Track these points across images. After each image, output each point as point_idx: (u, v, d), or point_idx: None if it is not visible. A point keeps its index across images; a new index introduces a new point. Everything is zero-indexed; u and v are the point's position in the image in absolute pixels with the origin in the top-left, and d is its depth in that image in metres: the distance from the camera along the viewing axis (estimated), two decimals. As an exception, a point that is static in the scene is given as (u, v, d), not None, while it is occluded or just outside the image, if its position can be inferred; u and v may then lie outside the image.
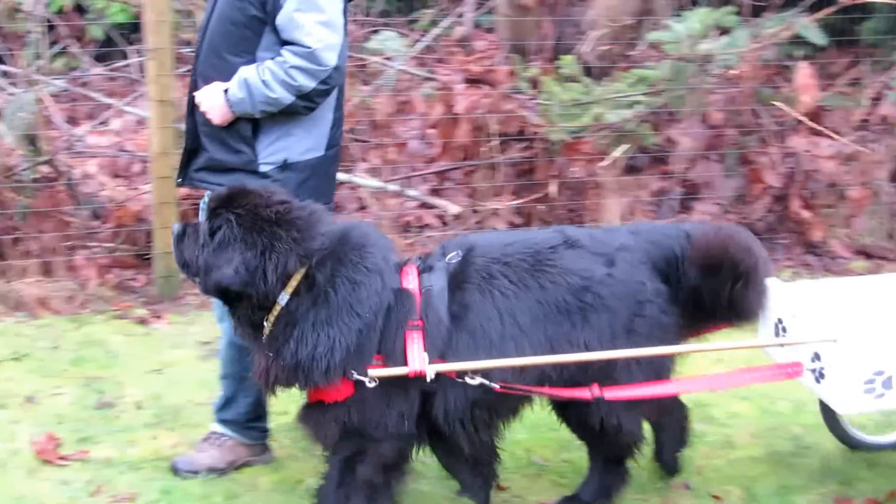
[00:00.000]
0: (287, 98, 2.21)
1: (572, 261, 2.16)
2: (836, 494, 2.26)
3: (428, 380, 1.95)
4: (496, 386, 1.98)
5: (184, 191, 3.34)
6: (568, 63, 3.80)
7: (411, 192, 3.81)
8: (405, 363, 1.94)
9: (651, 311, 2.12)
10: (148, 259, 3.65)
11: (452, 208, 3.72)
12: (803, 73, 3.95)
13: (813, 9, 3.96)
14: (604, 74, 3.96)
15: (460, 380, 1.99)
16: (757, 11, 4.14)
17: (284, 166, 2.35)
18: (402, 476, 2.16)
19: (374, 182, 3.74)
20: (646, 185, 3.92)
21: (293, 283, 1.99)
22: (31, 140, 3.70)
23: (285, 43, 2.21)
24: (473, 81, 3.70)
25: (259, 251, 1.97)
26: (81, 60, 4.63)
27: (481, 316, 2.09)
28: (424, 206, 3.83)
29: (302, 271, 2.00)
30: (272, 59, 2.19)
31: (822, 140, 3.93)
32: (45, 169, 3.75)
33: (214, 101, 2.21)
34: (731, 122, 4.01)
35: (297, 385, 2.06)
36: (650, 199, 3.93)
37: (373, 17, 4.35)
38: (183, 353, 3.25)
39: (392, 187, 3.76)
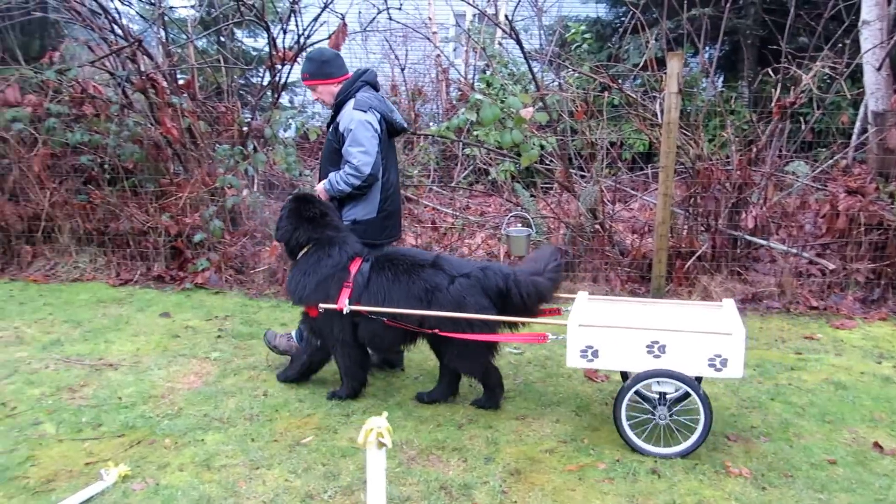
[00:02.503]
0: (346, 188, 4.16)
1: (430, 275, 3.89)
2: None
3: (344, 312, 3.83)
4: (385, 320, 3.84)
5: (674, 241, 6.44)
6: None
7: (805, 255, 6.34)
8: (337, 304, 3.87)
9: (469, 309, 3.76)
10: (649, 278, 6.68)
11: (830, 265, 6.14)
12: None
13: None
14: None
15: (371, 317, 3.85)
16: None
17: (355, 222, 4.30)
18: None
19: (783, 247, 6.36)
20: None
21: (304, 249, 4.05)
22: (592, 211, 7.13)
23: (346, 162, 4.16)
24: (851, 192, 6.09)
25: (293, 228, 4.06)
26: (621, 169, 7.84)
27: (375, 287, 3.91)
28: (811, 262, 6.31)
29: (308, 245, 4.04)
30: (341, 169, 4.17)
31: None
32: (598, 227, 7.17)
33: (321, 189, 4.28)
34: None
35: (292, 301, 4.17)
36: None
37: (788, 153, 6.93)
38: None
39: (793, 250, 6.33)
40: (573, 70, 7.84)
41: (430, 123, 10.55)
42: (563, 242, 6.83)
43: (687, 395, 3.65)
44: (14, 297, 6.09)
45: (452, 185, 8.89)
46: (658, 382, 3.55)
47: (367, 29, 7.31)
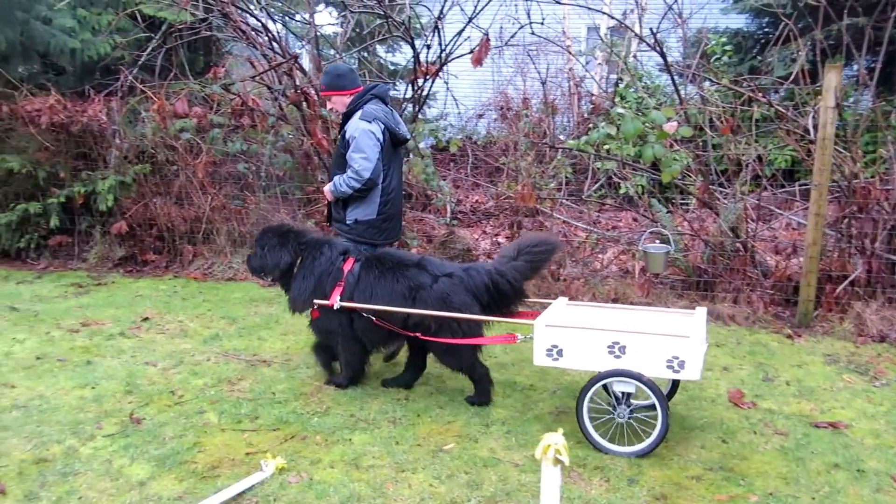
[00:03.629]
0: (348, 190, 4.60)
1: (415, 274, 4.18)
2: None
3: (335, 308, 4.18)
4: (374, 318, 4.17)
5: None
6: None
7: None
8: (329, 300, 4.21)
9: (452, 307, 4.02)
10: (794, 301, 6.32)
11: None
12: None
13: None
14: None
15: (363, 314, 4.18)
16: None
17: (356, 222, 4.73)
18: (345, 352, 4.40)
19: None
20: None
21: (296, 264, 4.39)
22: (734, 229, 6.84)
23: (349, 166, 4.57)
24: None
25: (280, 251, 4.39)
26: (764, 186, 7.46)
27: (364, 285, 4.23)
28: None
29: (298, 259, 4.39)
30: (345, 173, 4.59)
31: None
32: (738, 245, 6.89)
33: (327, 191, 4.76)
34: None
35: (293, 309, 4.44)
36: None
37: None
38: (811, 358, 5.11)
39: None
40: (716, 83, 7.57)
41: (561, 136, 10.51)
42: (701, 260, 6.61)
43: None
44: (177, 292, 6.63)
45: (583, 197, 8.82)
46: (618, 382, 3.69)
47: (508, 44, 7.38)
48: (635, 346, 3.62)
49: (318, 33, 7.97)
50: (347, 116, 4.74)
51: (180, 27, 7.71)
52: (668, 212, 7.13)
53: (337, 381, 4.53)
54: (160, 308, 6.14)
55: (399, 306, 4.15)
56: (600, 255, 7.03)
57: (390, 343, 4.57)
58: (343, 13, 8.61)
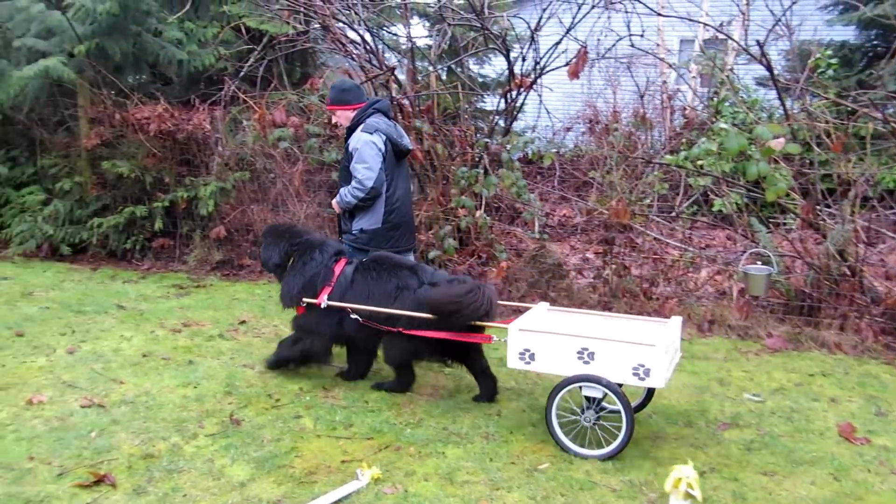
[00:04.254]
0: (353, 200, 4.81)
1: (403, 277, 4.41)
2: None
3: (322, 306, 4.44)
4: (360, 318, 4.37)
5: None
6: None
7: None
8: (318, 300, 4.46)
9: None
10: None
11: None
12: None
13: None
14: None
15: (351, 315, 4.38)
16: None
17: (362, 231, 4.89)
18: (323, 354, 4.67)
19: None
20: None
21: (289, 261, 4.65)
22: (841, 252, 6.50)
23: (353, 177, 4.75)
24: None
25: (273, 248, 4.70)
26: (874, 207, 6.87)
27: (358, 286, 4.45)
28: None
29: (292, 256, 4.64)
30: (349, 184, 4.79)
31: None
32: (846, 269, 6.53)
33: (334, 203, 5.00)
34: None
35: (283, 304, 4.69)
36: None
37: None
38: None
39: None
40: (823, 97, 7.23)
41: (651, 150, 10.26)
42: (804, 284, 6.29)
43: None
44: (272, 297, 6.79)
45: (673, 214, 8.56)
46: (586, 387, 3.80)
47: (604, 56, 7.27)
48: (603, 352, 3.74)
49: (414, 46, 8.06)
50: (351, 130, 4.94)
51: (281, 39, 7.96)
52: (768, 231, 6.84)
53: (345, 375, 4.84)
54: (256, 312, 6.31)
55: (384, 305, 4.37)
56: (694, 275, 6.80)
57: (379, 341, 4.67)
58: (437, 26, 8.70)
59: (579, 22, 6.67)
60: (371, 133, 4.80)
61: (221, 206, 7.68)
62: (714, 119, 8.00)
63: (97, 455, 3.67)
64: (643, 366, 3.65)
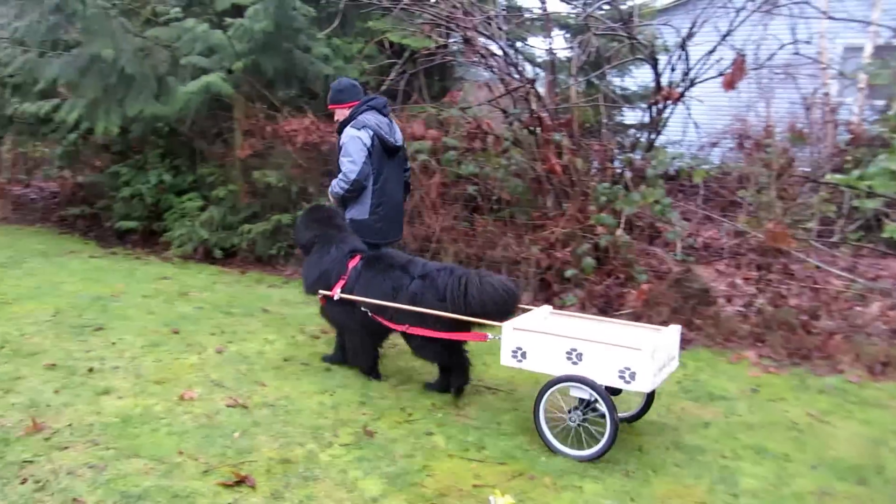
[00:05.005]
0: (340, 192, 5.18)
1: (398, 276, 4.62)
2: None
3: (335, 298, 4.72)
4: (369, 312, 4.63)
5: None
6: None
7: None
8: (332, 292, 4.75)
9: (423, 304, 4.43)
10: None
11: None
12: None
13: None
14: None
15: (362, 308, 4.63)
16: None
17: (352, 221, 5.21)
18: (360, 341, 4.90)
19: None
20: None
21: (313, 248, 4.95)
22: None
23: (340, 170, 5.12)
24: None
25: (304, 230, 5.08)
26: None
27: (363, 281, 4.69)
28: None
29: (315, 244, 4.94)
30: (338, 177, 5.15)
31: None
32: None
33: (329, 194, 5.34)
34: None
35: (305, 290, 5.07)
36: None
37: None
38: None
39: None
40: None
41: (812, 168, 9.47)
42: None
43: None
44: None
45: (835, 240, 7.83)
46: (573, 387, 3.86)
47: (763, 65, 6.78)
48: (591, 354, 3.80)
49: (555, 58, 7.91)
50: (343, 126, 5.23)
51: (422, 53, 8.07)
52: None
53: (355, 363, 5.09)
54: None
55: (386, 300, 4.60)
56: (863, 309, 6.15)
57: (386, 336, 4.95)
58: (579, 37, 8.50)
59: (738, 27, 6.23)
60: (359, 129, 5.10)
61: (360, 217, 7.84)
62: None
63: (239, 455, 3.77)
64: (629, 369, 3.70)
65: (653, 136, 7.29)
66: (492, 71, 7.45)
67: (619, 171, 7.11)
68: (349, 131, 5.13)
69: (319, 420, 4.28)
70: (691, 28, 6.45)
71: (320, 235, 5.01)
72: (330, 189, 5.33)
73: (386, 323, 4.63)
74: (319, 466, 3.74)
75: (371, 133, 5.11)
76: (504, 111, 7.46)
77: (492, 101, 7.51)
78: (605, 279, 6.74)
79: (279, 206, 8.31)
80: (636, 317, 6.30)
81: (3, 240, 9.11)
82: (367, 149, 5.10)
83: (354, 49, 9.01)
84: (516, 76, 7.28)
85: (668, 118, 7.21)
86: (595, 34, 7.38)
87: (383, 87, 8.33)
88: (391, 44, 8.57)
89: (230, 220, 8.57)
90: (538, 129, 7.16)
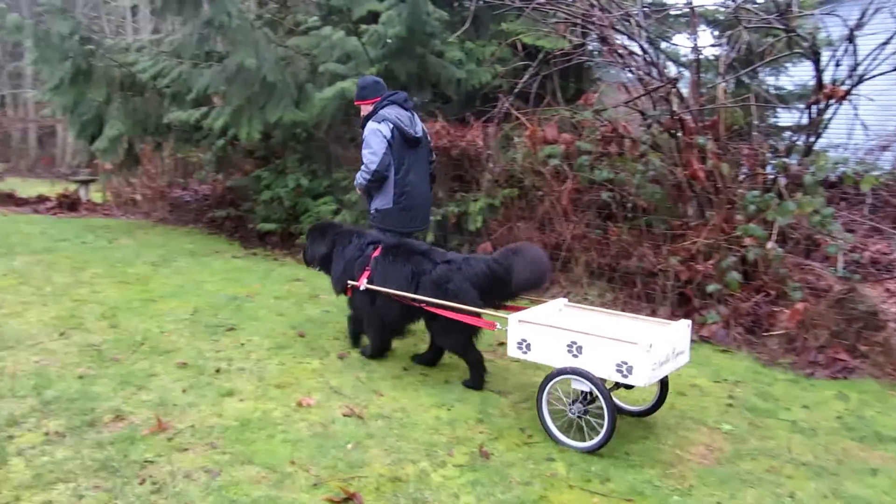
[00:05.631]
0: (363, 182, 5.44)
1: (419, 262, 4.76)
2: None
3: (361, 288, 4.90)
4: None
5: None
6: None
7: None
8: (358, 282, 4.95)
9: (451, 290, 4.60)
10: None
11: None
12: None
13: None
14: None
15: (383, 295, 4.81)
16: None
17: (377, 211, 5.49)
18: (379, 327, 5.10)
19: None
20: None
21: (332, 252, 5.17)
22: None
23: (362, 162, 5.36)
24: None
25: (313, 244, 5.31)
26: None
27: (381, 270, 4.85)
28: None
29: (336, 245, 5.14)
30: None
31: None
32: None
33: (355, 185, 5.62)
34: None
35: (335, 291, 5.23)
36: None
37: None
38: None
39: None
40: None
41: None
42: None
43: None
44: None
45: None
46: (574, 380, 3.93)
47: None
48: (590, 347, 3.88)
49: (700, 56, 7.34)
50: (366, 121, 5.49)
51: (556, 54, 7.76)
52: None
53: (364, 352, 5.34)
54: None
55: (404, 289, 4.76)
56: None
57: (406, 323, 5.11)
58: (728, 33, 7.85)
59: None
60: (379, 122, 5.36)
61: (489, 223, 7.66)
62: None
63: (350, 469, 3.68)
64: (626, 363, 3.75)
65: (811, 140, 6.56)
66: (630, 71, 7.02)
67: (771, 177, 6.46)
68: (370, 125, 5.40)
69: (434, 436, 4.12)
70: (861, 17, 5.72)
71: (337, 237, 5.27)
72: (355, 181, 5.61)
73: (408, 301, 4.79)
74: (430, 488, 3.57)
75: (391, 126, 5.36)
76: (642, 113, 7.00)
77: (629, 102, 7.08)
78: (752, 296, 6.13)
79: (409, 212, 8.29)
80: (789, 339, 5.67)
81: (158, 239, 9.76)
82: (388, 141, 5.35)
83: (487, 52, 8.86)
84: (656, 76, 6.80)
85: (830, 119, 6.46)
86: (746, 28, 6.75)
87: (516, 90, 8.11)
88: (524, 45, 8.33)
89: (362, 224, 8.66)
90: (679, 132, 6.65)
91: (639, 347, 3.70)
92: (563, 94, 8.78)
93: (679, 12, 8.49)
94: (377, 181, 5.43)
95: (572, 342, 3.94)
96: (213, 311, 6.29)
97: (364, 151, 5.42)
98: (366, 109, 5.60)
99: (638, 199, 6.79)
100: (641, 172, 6.66)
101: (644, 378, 3.73)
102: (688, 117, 6.67)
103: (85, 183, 14.10)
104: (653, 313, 6.50)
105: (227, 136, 9.30)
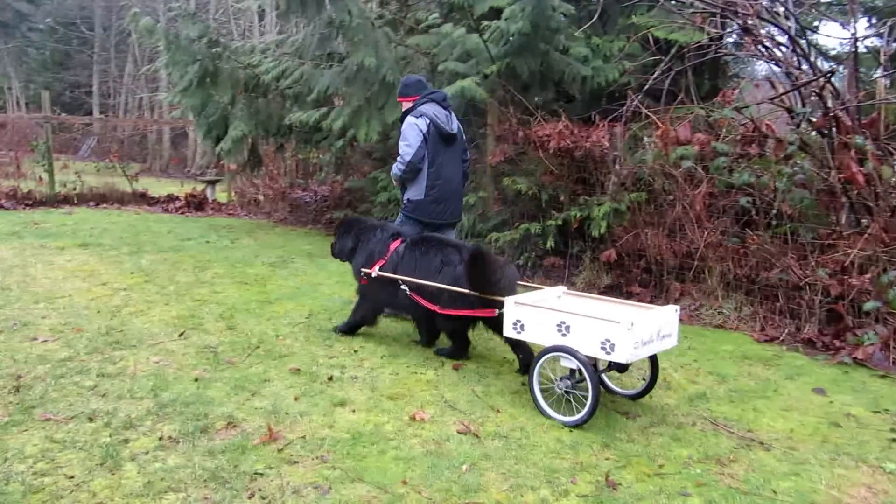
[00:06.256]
0: (398, 173, 5.74)
1: (447, 253, 5.07)
2: None
3: (373, 275, 5.29)
4: (408, 290, 5.13)
5: None
6: None
7: None
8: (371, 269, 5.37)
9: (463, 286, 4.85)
10: None
11: None
12: None
13: None
14: None
15: (402, 287, 5.14)
16: None
17: (409, 201, 5.79)
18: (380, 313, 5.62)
19: None
20: None
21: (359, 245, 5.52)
22: None
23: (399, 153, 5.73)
24: None
25: (341, 240, 5.67)
26: None
27: (406, 261, 5.21)
28: None
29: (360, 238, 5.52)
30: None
31: None
32: None
33: (391, 175, 5.96)
34: None
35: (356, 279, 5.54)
36: None
37: None
38: None
39: None
40: None
41: None
42: None
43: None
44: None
45: None
46: (563, 357, 4.21)
47: None
48: (576, 326, 4.14)
49: (857, 47, 6.57)
50: (405, 116, 5.75)
51: (691, 48, 7.21)
52: None
53: (340, 328, 5.68)
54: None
55: (430, 279, 4.97)
56: None
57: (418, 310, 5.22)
58: (889, 22, 7.00)
59: None
60: (417, 117, 5.61)
61: (614, 228, 7.22)
62: None
63: (465, 493, 3.43)
64: (609, 341, 3.99)
65: None
66: (776, 64, 6.38)
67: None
68: (408, 119, 5.67)
69: (555, 461, 3.80)
70: None
71: (362, 231, 5.53)
72: (392, 172, 5.86)
73: (423, 302, 5.01)
74: (552, 520, 3.26)
75: (427, 121, 5.61)
76: (790, 111, 6.34)
77: (774, 98, 6.43)
78: (920, 316, 5.38)
79: (528, 215, 8.00)
80: None
81: (278, 240, 9.98)
82: (423, 135, 5.59)
83: (615, 47, 8.40)
84: (807, 69, 6.14)
85: None
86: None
87: (645, 88, 7.61)
88: (656, 40, 7.81)
89: (480, 228, 8.45)
90: (833, 132, 5.96)
91: (620, 326, 3.94)
92: (699, 91, 8.17)
93: (832, 0, 7.69)
94: (411, 172, 5.67)
95: (561, 322, 4.20)
96: (328, 314, 6.25)
97: (401, 143, 5.68)
98: (406, 105, 5.87)
99: (782, 204, 6.15)
100: (787, 175, 6.02)
101: (625, 354, 3.95)
102: (844, 115, 5.97)
103: (212, 183, 14.77)
104: (797, 330, 5.88)
105: (346, 137, 9.35)
